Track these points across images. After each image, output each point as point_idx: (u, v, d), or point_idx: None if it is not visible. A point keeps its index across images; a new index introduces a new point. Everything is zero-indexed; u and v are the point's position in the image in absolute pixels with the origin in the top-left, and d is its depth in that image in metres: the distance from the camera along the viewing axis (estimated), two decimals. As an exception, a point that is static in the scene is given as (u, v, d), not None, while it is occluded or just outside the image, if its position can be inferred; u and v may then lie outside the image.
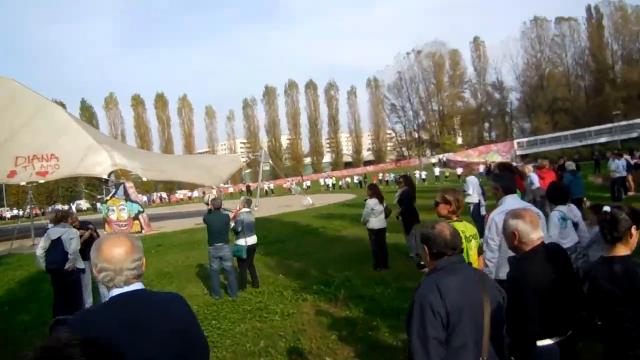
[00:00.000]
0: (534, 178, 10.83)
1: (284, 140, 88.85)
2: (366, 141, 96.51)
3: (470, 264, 3.22)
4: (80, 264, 6.64)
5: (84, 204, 63.30)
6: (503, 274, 3.58)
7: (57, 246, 6.35)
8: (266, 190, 58.43)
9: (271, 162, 36.21)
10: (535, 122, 77.19)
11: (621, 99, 68.47)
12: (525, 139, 66.32)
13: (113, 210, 21.60)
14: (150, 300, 1.83)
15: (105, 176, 21.45)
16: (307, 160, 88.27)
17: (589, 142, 58.33)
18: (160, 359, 1.66)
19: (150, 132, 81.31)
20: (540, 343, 2.47)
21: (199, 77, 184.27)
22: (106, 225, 20.87)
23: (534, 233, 2.59)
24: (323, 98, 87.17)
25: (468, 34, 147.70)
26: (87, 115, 72.74)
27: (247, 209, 8.14)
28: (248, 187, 62.02)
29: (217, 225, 7.59)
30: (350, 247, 11.22)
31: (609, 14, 74.21)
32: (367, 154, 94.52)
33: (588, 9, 76.66)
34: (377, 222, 8.30)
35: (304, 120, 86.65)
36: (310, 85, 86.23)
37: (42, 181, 21.25)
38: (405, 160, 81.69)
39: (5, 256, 16.07)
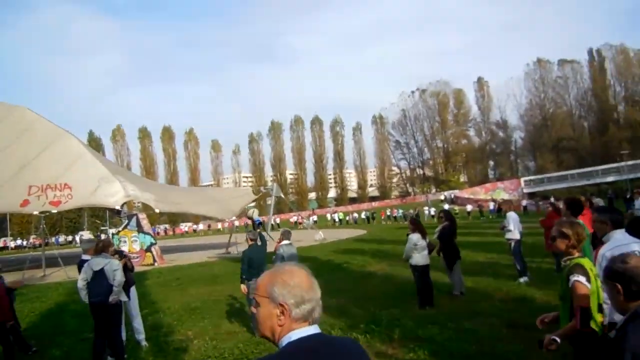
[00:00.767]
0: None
1: (288, 175, 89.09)
2: (370, 177, 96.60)
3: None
4: (124, 297, 6.30)
5: (87, 234, 62.64)
6: (618, 317, 3.24)
7: (100, 278, 6.01)
8: (272, 225, 57.95)
9: (282, 194, 35.95)
10: (541, 160, 77.53)
11: (626, 139, 68.84)
12: (532, 177, 66.37)
13: (125, 241, 21.23)
14: (334, 346, 1.53)
15: (118, 207, 21.16)
16: (312, 195, 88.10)
17: (597, 180, 58.21)
18: None
19: (156, 164, 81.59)
20: None
21: (205, 111, 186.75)
22: (117, 257, 20.41)
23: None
24: (328, 134, 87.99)
25: (471, 75, 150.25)
26: (95, 146, 72.65)
27: (287, 241, 7.80)
28: (254, 221, 61.62)
29: (259, 259, 7.26)
30: (385, 284, 10.84)
31: (611, 57, 75.70)
32: (371, 190, 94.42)
33: (590, 51, 78.39)
34: (420, 257, 7.96)
35: (309, 155, 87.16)
36: (316, 121, 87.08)
37: (54, 211, 21.02)
38: (410, 197, 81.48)
39: (19, 287, 15.56)
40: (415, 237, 7.93)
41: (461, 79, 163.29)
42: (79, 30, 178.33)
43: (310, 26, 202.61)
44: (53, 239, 51.52)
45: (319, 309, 1.50)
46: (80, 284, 6.06)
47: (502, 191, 64.83)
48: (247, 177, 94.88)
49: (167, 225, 68.69)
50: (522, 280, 9.20)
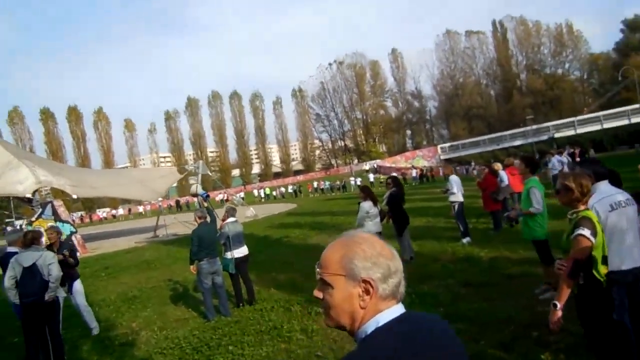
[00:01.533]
0: (504, 176, 11.02)
1: (209, 153, 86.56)
2: (293, 151, 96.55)
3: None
4: (61, 292, 5.61)
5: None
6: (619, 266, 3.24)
7: (32, 274, 5.29)
8: (199, 204, 56.25)
9: (209, 172, 34.56)
10: (454, 128, 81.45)
11: (529, 105, 74.24)
12: (447, 144, 69.59)
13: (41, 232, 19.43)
14: (430, 329, 1.25)
15: (28, 195, 19.27)
16: (235, 172, 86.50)
17: (505, 145, 62.28)
18: None
19: (63, 147, 75.54)
20: None
21: (114, 89, 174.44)
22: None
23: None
24: (248, 109, 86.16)
25: (386, 46, 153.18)
26: (-12, 131, 66.12)
27: (233, 219, 7.40)
28: (177, 202, 59.47)
29: (210, 237, 6.79)
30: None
31: (512, 28, 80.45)
32: (294, 164, 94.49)
33: (493, 23, 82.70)
34: (373, 225, 7.90)
35: (229, 131, 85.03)
36: (235, 96, 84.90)
37: (-48, 204, 18.71)
38: (334, 169, 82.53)
39: None
40: (367, 205, 7.83)
41: (377, 51, 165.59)
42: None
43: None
44: (8, 228, 46.46)
45: (404, 283, 1.24)
46: (8, 282, 5.30)
47: (421, 159, 67.56)
48: (164, 157, 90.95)
49: (82, 212, 64.39)
50: (464, 240, 9.51)
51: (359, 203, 8.10)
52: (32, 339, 5.40)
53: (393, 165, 65.08)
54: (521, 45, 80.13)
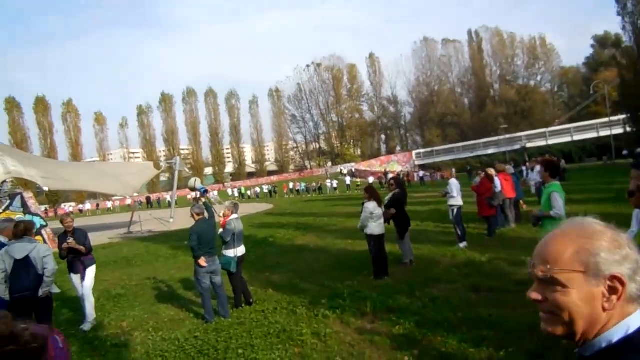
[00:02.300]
0: (497, 182, 10.99)
1: (182, 150, 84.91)
2: (267, 151, 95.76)
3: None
4: (55, 288, 5.17)
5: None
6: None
7: (25, 267, 4.83)
8: (168, 202, 55.02)
9: (186, 169, 33.87)
10: (428, 134, 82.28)
11: (501, 115, 75.79)
12: (422, 150, 70.34)
13: (7, 225, 18.46)
14: None
15: (-4, 186, 18.33)
16: (208, 170, 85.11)
17: (479, 153, 63.35)
18: None
19: (29, 139, 72.57)
20: None
21: (85, 82, 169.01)
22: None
23: None
24: (224, 107, 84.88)
25: (364, 51, 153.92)
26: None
27: (235, 215, 7.05)
28: (148, 199, 58.06)
29: (209, 235, 6.41)
30: (323, 256, 10.48)
31: (488, 38, 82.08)
32: (268, 164, 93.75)
33: (469, 32, 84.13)
34: (377, 227, 7.68)
35: (204, 129, 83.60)
36: (210, 94, 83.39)
37: None
38: (308, 171, 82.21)
39: None
40: (371, 205, 7.61)
41: (355, 55, 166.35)
42: None
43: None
44: None
45: None
46: (-2, 276, 4.83)
47: (395, 163, 68.07)
48: (134, 153, 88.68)
49: (47, 206, 61.99)
50: (461, 245, 9.40)
51: (362, 203, 7.87)
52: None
53: (368, 169, 65.27)
54: (495, 56, 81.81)
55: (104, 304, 8.16)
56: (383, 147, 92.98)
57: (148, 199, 57.78)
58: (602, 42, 66.48)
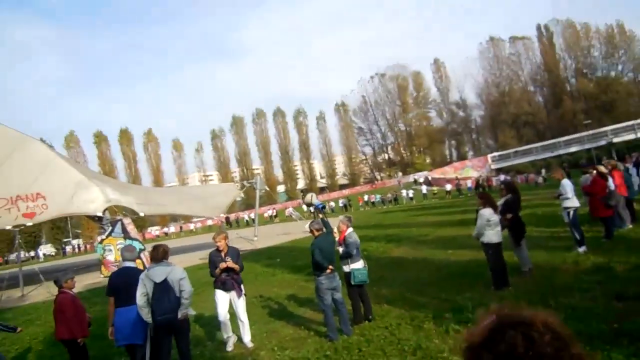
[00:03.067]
0: (610, 180, 10.17)
1: (255, 170, 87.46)
2: (337, 165, 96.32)
3: None
4: (191, 310, 5.31)
5: (49, 248, 59.29)
6: None
7: (165, 290, 5.00)
8: (246, 220, 56.63)
9: (267, 187, 34.76)
10: (502, 136, 79.05)
11: (580, 110, 71.30)
12: (497, 153, 67.52)
13: (110, 250, 19.63)
14: None
15: (99, 213, 19.67)
16: (281, 187, 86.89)
17: (559, 152, 59.79)
18: None
19: (115, 169, 77.97)
20: None
21: (163, 113, 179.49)
22: (102, 268, 18.98)
23: None
24: (292, 125, 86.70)
25: (428, 57, 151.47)
26: (48, 155, 69.05)
27: (351, 229, 7.00)
28: (227, 219, 59.99)
29: (329, 249, 6.37)
30: (427, 267, 10.17)
31: (559, 31, 77.86)
32: (338, 178, 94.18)
33: (538, 27, 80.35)
34: (494, 235, 7.29)
35: (274, 148, 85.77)
36: (279, 113, 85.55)
37: (30, 224, 19.27)
38: (380, 182, 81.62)
39: None
40: (487, 212, 7.25)
41: (419, 62, 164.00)
42: (12, 34, 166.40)
43: (259, 21, 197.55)
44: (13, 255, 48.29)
45: None
46: (141, 300, 5.01)
47: (470, 169, 65.79)
48: (208, 175, 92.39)
49: (135, 231, 65.95)
50: (580, 250, 8.73)
51: (477, 210, 7.52)
52: (165, 355, 5.09)
53: (442, 176, 63.59)
54: (569, 49, 77.36)
55: (216, 322, 8.33)
56: (454, 153, 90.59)
57: (227, 218, 59.74)
58: (693, 22, 60.80)
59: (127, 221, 20.24)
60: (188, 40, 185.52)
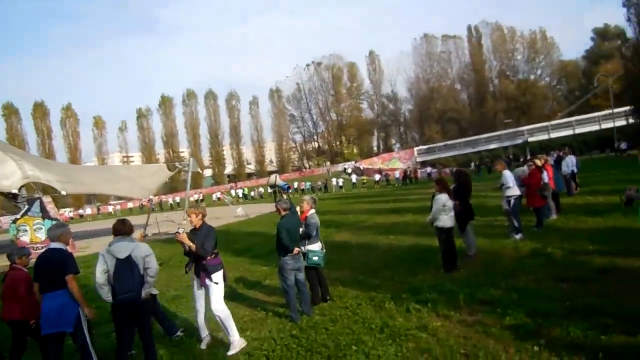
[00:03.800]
0: (545, 173, 10.88)
1: (181, 152, 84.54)
2: (268, 152, 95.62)
3: None
4: (154, 290, 4.97)
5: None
6: None
7: (129, 268, 4.64)
8: (171, 204, 54.74)
9: (199, 170, 33.68)
10: (428, 131, 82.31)
11: (501, 110, 75.93)
12: (423, 147, 70.23)
13: (26, 230, 18.19)
14: None
15: (14, 190, 18.01)
16: (208, 172, 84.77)
17: (480, 148, 63.32)
18: None
19: (26, 144, 71.98)
20: None
21: (84, 88, 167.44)
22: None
23: None
24: (224, 108, 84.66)
25: (363, 49, 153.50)
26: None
27: (313, 210, 6.94)
28: (150, 201, 57.59)
29: (295, 230, 6.26)
30: (373, 252, 10.36)
31: (488, 33, 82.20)
32: (269, 165, 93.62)
33: (469, 28, 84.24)
34: (448, 219, 7.52)
35: (203, 131, 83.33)
36: (210, 95, 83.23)
37: None
38: (309, 170, 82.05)
39: None
40: (443, 197, 7.46)
41: (355, 53, 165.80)
42: None
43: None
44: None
45: None
46: (101, 278, 4.61)
47: (397, 161, 68.01)
48: (128, 156, 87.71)
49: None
50: (517, 236, 9.27)
51: (433, 195, 7.71)
52: (126, 340, 4.75)
53: (371, 167, 65.19)
54: (495, 51, 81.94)
55: (164, 305, 7.95)
56: (382, 145, 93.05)
57: (150, 200, 57.33)
58: (602, 34, 66.69)
59: (47, 199, 18.83)
60: (114, 10, 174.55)
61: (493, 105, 77.16)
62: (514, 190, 9.27)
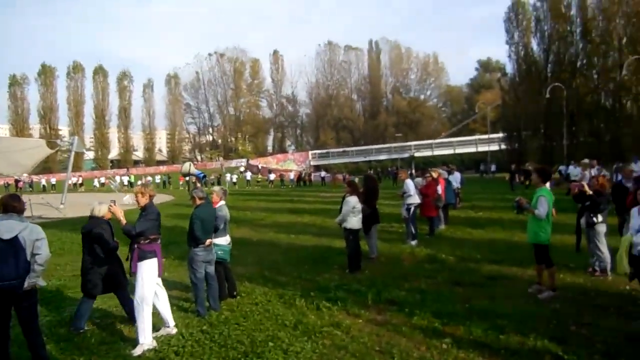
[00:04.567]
0: (439, 186, 11.70)
1: (60, 130, 77.07)
2: (159, 140, 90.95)
3: None
4: (41, 281, 4.33)
5: None
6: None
7: (13, 251, 4.04)
8: (43, 186, 49.63)
9: (84, 150, 30.64)
10: (323, 136, 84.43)
11: (392, 124, 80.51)
12: (318, 151, 71.76)
13: None
14: None
15: None
16: (89, 154, 78.31)
17: (371, 158, 66.46)
18: None
19: None
20: None
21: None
22: None
23: None
24: (114, 88, 78.87)
25: (268, 47, 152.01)
26: None
27: (223, 202, 6.67)
28: (17, 182, 51.66)
29: (210, 221, 5.96)
30: (276, 249, 10.37)
31: (387, 50, 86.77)
32: (159, 153, 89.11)
33: (370, 42, 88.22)
34: (357, 222, 7.76)
35: (88, 109, 76.81)
36: (100, 72, 77.08)
37: None
38: (201, 163, 79.61)
39: None
40: (353, 200, 7.67)
41: (259, 50, 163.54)
42: None
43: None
44: None
45: None
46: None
47: (292, 162, 68.72)
48: (-2, 128, 78.50)
49: None
50: (413, 243, 9.84)
51: (344, 197, 7.88)
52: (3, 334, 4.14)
53: (265, 165, 65.09)
54: (392, 68, 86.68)
55: (47, 296, 7.15)
56: (277, 145, 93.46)
57: (16, 182, 51.40)
58: (485, 66, 73.94)
59: None
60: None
61: (385, 119, 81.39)
62: (415, 199, 9.84)
